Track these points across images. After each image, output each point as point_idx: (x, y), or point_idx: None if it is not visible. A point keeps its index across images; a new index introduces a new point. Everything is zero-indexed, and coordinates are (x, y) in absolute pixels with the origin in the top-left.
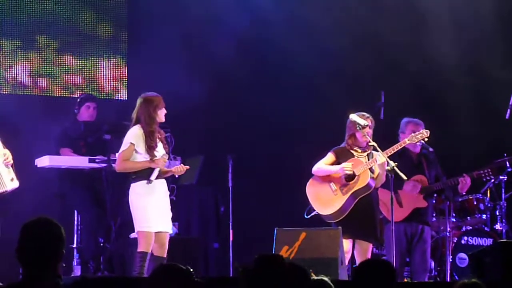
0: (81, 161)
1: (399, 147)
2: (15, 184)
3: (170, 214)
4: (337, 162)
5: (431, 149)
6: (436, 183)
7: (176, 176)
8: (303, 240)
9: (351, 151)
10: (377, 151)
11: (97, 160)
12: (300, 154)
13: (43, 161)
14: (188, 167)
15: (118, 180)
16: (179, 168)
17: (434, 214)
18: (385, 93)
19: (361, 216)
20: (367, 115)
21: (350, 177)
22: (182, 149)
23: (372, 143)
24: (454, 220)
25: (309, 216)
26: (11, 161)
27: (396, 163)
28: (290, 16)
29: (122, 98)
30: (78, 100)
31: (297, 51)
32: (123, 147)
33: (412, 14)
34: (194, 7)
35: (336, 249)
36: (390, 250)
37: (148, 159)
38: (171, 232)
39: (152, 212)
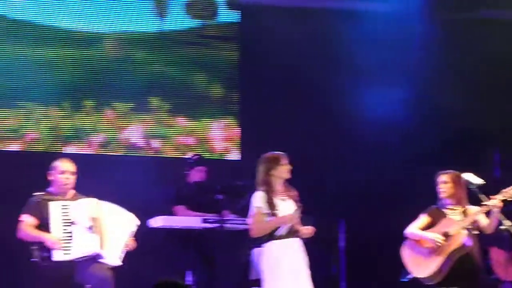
0: (194, 221)
1: (490, 206)
2: (118, 262)
3: (306, 272)
4: (432, 223)
5: None
6: None
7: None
8: None
9: (443, 210)
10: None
11: (210, 220)
12: (412, 214)
13: (157, 222)
14: (314, 229)
15: (230, 241)
16: (307, 230)
17: None
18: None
19: (461, 276)
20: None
21: (445, 238)
22: None
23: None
24: None
25: (406, 280)
26: (129, 247)
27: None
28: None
29: (235, 159)
30: (189, 161)
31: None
32: (251, 212)
33: None
34: (305, 67)
35: None
36: None
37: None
38: None
39: (282, 273)
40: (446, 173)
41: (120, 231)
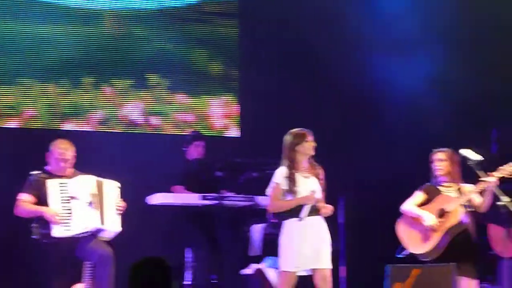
0: (193, 199)
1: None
2: (117, 228)
3: (327, 250)
4: (427, 199)
5: None
6: None
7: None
8: (416, 277)
9: (438, 187)
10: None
11: (209, 197)
12: (409, 191)
13: (156, 199)
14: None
15: (230, 217)
16: (326, 209)
17: None
18: (498, 126)
19: (459, 253)
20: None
21: (442, 214)
22: None
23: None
24: None
25: (401, 256)
26: (122, 211)
27: (510, 199)
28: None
29: (234, 136)
30: (187, 138)
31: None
32: (270, 188)
33: None
34: (305, 42)
35: (449, 286)
36: (504, 287)
37: (292, 197)
38: (329, 267)
39: (299, 251)
40: (442, 151)
41: (112, 200)
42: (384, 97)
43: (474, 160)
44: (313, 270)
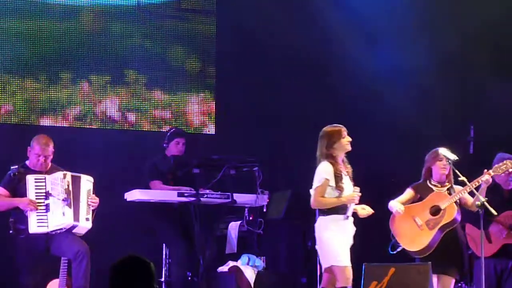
0: (170, 195)
1: (481, 182)
2: (89, 224)
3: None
4: (417, 197)
5: None
6: None
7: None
8: (392, 275)
9: (430, 185)
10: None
11: (186, 194)
12: (386, 192)
13: (133, 195)
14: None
15: (207, 214)
16: (364, 212)
17: None
18: (475, 126)
19: (446, 251)
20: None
21: (436, 211)
22: (270, 183)
23: (462, 178)
24: None
25: (394, 252)
26: (95, 206)
27: (486, 198)
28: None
29: (210, 133)
30: (168, 134)
31: (379, 77)
32: (317, 183)
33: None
34: (281, 40)
35: (426, 285)
36: (479, 286)
37: (338, 193)
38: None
39: (343, 246)
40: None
41: (85, 195)
42: (368, 95)
43: (452, 159)
44: None
